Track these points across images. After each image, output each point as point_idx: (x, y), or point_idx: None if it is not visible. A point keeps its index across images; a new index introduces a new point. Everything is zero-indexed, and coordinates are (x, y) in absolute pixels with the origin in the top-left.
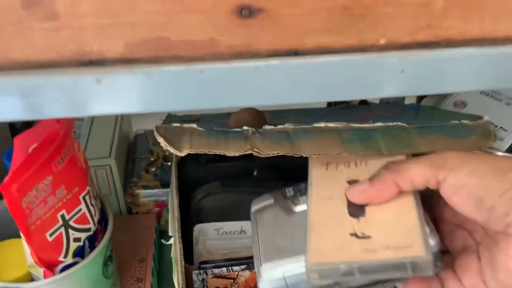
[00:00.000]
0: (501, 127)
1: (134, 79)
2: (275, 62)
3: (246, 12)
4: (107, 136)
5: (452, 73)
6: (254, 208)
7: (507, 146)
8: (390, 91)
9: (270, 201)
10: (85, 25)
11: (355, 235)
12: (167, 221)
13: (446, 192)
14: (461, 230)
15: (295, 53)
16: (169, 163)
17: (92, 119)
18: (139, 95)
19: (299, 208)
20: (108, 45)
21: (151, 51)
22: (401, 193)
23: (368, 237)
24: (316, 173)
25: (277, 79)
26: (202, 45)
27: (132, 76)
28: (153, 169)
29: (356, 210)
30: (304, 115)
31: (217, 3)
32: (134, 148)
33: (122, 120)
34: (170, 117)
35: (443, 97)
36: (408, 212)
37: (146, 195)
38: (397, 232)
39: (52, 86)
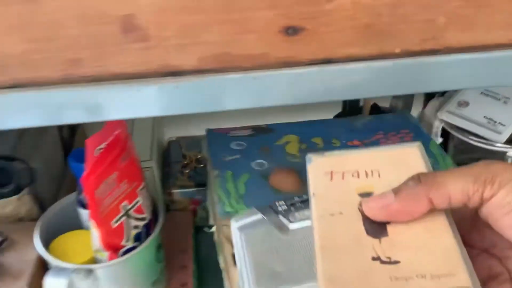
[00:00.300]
0: (499, 122)
1: (204, 85)
2: (313, 69)
3: (291, 31)
4: (146, 141)
5: (453, 73)
6: (237, 224)
7: (505, 139)
8: (405, 89)
9: (258, 216)
10: (168, 45)
11: (378, 259)
12: (201, 217)
13: (492, 213)
14: (488, 256)
15: (328, 61)
16: (201, 165)
17: (132, 126)
18: (208, 97)
19: (295, 225)
20: (185, 59)
21: (217, 64)
22: (431, 210)
23: (396, 262)
24: (318, 184)
25: (314, 83)
26: (256, 57)
27: (203, 83)
28: (187, 171)
29: (376, 228)
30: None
31: (269, 25)
32: (168, 153)
33: (157, 128)
34: (210, 133)
35: (448, 97)
36: (441, 233)
37: (183, 194)
38: (432, 256)
39: (141, 93)
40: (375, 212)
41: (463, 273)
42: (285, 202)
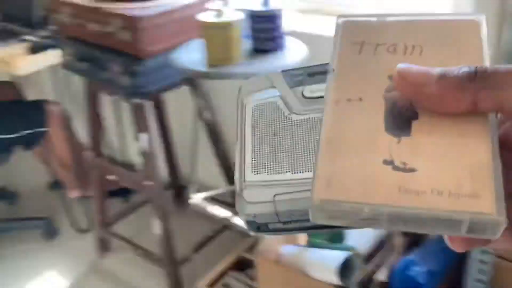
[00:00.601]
0: None
1: None
2: None
3: None
4: None
5: None
6: (246, 88)
7: None
8: None
9: (268, 83)
10: None
11: (391, 163)
12: None
13: None
14: None
15: None
16: None
17: None
18: None
19: (308, 104)
20: None
21: None
22: (472, 113)
23: (411, 170)
24: (342, 57)
25: None
26: None
27: None
28: None
29: (398, 124)
30: None
31: None
32: None
33: None
34: None
35: None
36: (477, 142)
37: None
38: (458, 170)
39: None
40: (407, 85)
41: (489, 197)
42: (303, 69)
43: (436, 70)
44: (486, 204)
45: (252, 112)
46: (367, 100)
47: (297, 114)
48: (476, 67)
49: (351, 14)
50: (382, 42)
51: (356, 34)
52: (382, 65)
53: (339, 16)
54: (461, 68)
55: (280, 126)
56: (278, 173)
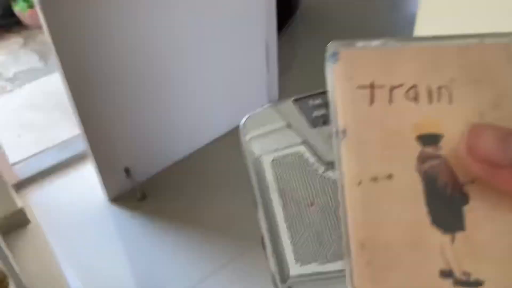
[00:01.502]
0: None
1: None
2: None
3: None
4: None
5: None
6: (252, 129)
7: None
8: None
9: (280, 119)
10: None
11: (450, 275)
12: None
13: None
14: None
15: None
16: None
17: None
18: None
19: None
20: None
21: None
22: None
23: (477, 283)
24: (350, 109)
25: None
26: None
27: None
28: None
29: (445, 211)
30: None
31: None
32: None
33: None
34: None
35: None
36: None
37: None
38: None
39: None
40: (483, 168)
41: None
42: (321, 97)
43: (497, 131)
44: None
45: (273, 170)
46: (398, 178)
47: (334, 169)
48: None
49: (345, 40)
50: (398, 83)
51: (361, 71)
52: (405, 120)
53: (331, 43)
54: None
55: (317, 190)
56: (331, 261)
